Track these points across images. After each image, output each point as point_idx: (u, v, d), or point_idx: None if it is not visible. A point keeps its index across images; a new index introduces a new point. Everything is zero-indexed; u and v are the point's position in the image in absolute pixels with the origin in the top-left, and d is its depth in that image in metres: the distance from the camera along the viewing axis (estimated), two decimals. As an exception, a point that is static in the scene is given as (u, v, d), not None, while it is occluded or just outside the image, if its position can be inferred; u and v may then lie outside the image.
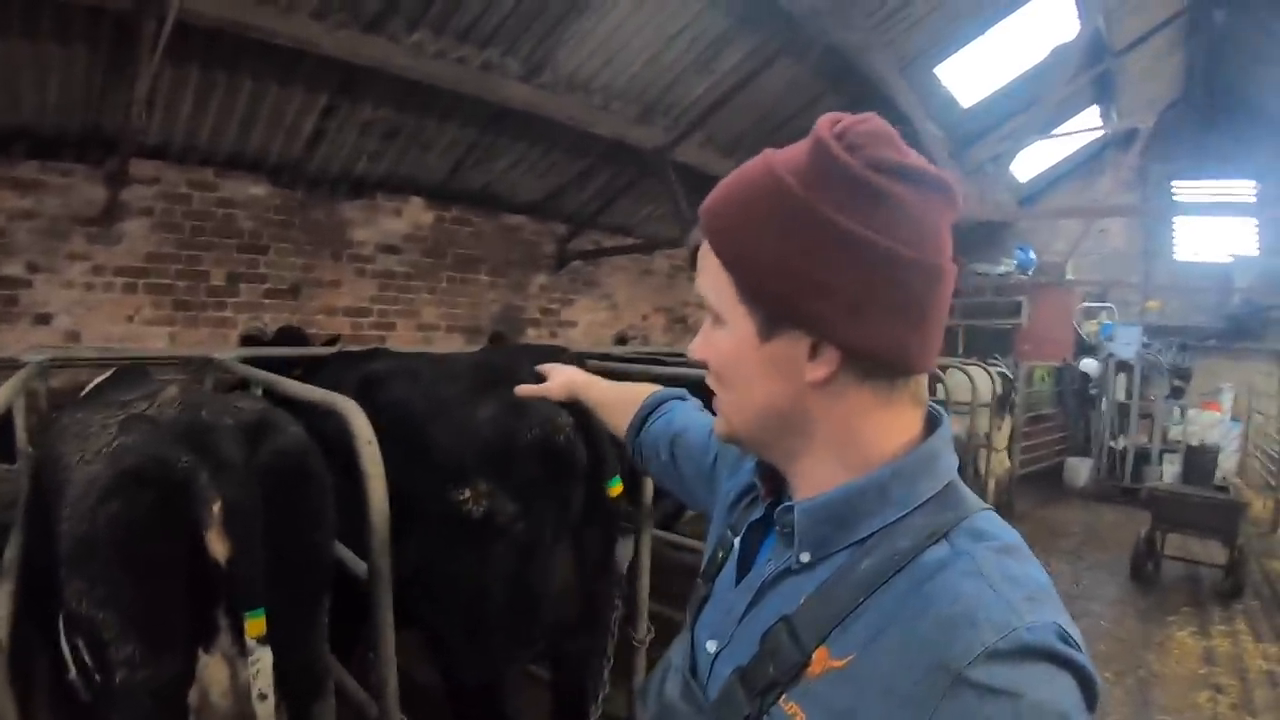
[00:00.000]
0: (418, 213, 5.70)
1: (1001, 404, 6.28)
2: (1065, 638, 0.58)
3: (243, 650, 1.45)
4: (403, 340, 5.57)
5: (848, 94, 6.10)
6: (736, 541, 0.83)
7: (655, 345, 6.99)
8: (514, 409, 2.05)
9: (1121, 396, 8.54)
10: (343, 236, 5.33)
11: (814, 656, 0.64)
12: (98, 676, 1.47)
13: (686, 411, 1.24)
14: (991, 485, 6.29)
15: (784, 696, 0.65)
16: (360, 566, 1.83)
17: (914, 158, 0.66)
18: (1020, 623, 0.56)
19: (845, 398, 0.69)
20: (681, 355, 4.80)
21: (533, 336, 6.43)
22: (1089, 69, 7.66)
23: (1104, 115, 9.14)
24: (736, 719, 0.69)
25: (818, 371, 0.68)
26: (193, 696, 1.49)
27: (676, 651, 0.86)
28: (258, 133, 4.55)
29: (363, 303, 5.47)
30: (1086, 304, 9.91)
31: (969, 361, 6.35)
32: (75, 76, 3.78)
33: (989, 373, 6.09)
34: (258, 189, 4.85)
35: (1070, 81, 7.30)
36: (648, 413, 1.28)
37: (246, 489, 1.41)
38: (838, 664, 0.63)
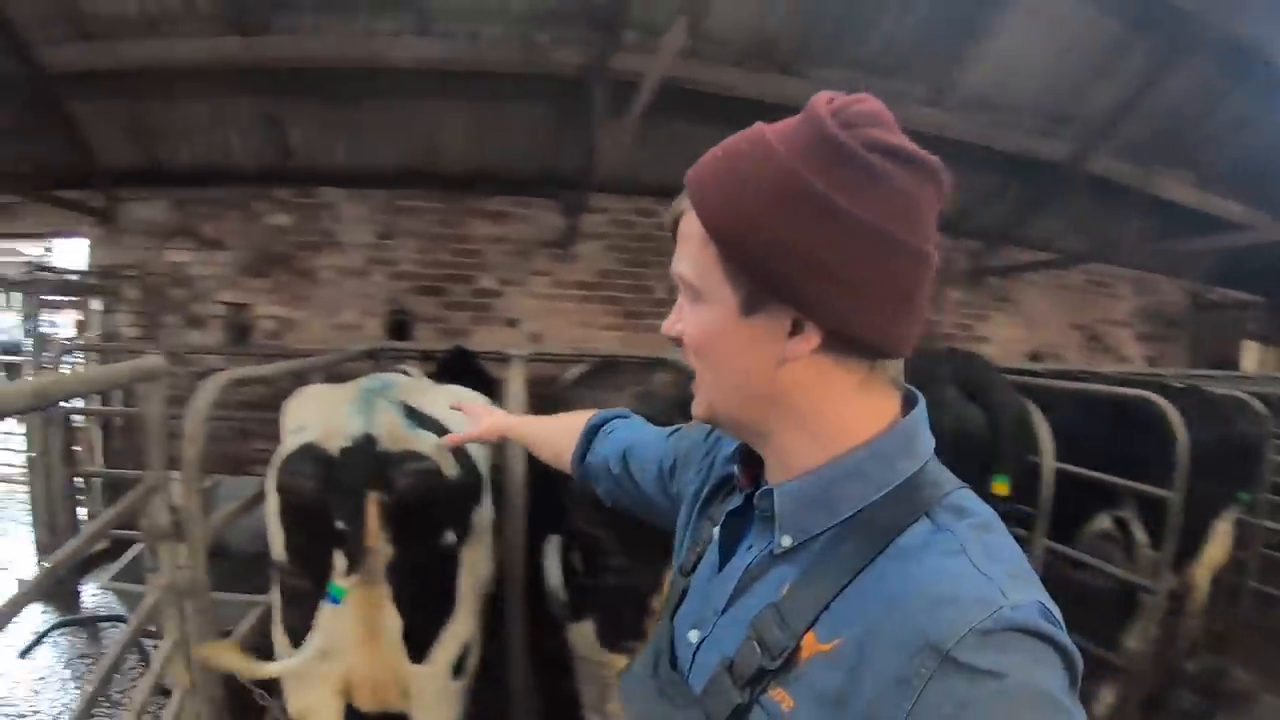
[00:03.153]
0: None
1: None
2: (1048, 615, 0.56)
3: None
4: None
5: (1255, 87, 5.23)
6: (716, 531, 0.81)
7: (1070, 363, 6.29)
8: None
9: None
10: (771, 253, 5.22)
11: (802, 642, 0.63)
12: (585, 579, 2.05)
13: (632, 426, 1.21)
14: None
15: (774, 684, 0.64)
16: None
17: (907, 141, 0.64)
18: (1005, 601, 0.55)
19: (823, 377, 0.68)
20: (1096, 372, 4.67)
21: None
22: None
23: None
24: (726, 709, 0.67)
25: (796, 348, 0.66)
26: (654, 601, 1.97)
27: (655, 643, 0.84)
28: (691, 165, 4.44)
29: (794, 312, 5.00)
30: None
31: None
32: (535, 128, 4.74)
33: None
34: (694, 215, 5.10)
35: None
36: (591, 437, 1.23)
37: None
38: (824, 648, 0.61)
